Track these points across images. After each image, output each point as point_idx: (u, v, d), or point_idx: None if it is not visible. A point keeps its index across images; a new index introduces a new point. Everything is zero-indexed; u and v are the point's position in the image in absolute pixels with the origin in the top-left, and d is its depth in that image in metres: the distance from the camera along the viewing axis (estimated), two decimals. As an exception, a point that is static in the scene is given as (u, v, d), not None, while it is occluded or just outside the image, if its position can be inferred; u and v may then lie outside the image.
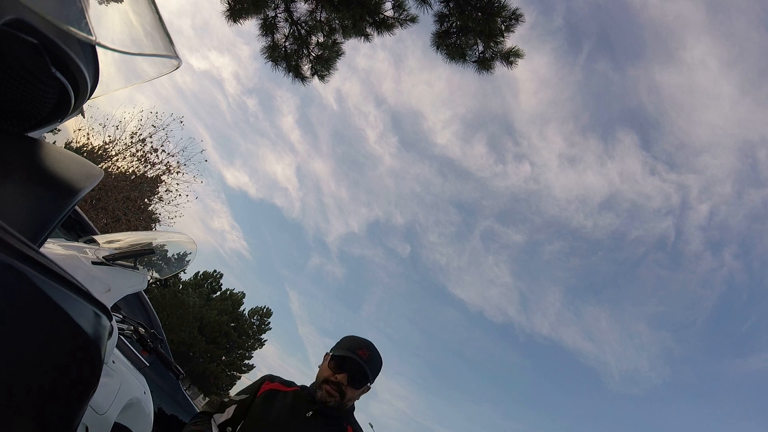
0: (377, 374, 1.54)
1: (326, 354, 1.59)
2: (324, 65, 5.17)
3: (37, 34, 0.48)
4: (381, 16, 4.71)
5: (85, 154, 12.21)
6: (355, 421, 1.52)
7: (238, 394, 1.52)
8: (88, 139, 13.17)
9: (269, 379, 1.55)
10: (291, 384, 1.55)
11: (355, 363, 1.42)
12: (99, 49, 0.58)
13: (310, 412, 1.40)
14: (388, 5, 4.70)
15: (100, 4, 0.57)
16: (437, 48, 4.66)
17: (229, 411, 1.44)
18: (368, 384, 1.47)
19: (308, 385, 1.55)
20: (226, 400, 1.50)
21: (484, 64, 4.57)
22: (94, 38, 0.48)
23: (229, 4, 4.83)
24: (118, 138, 13.34)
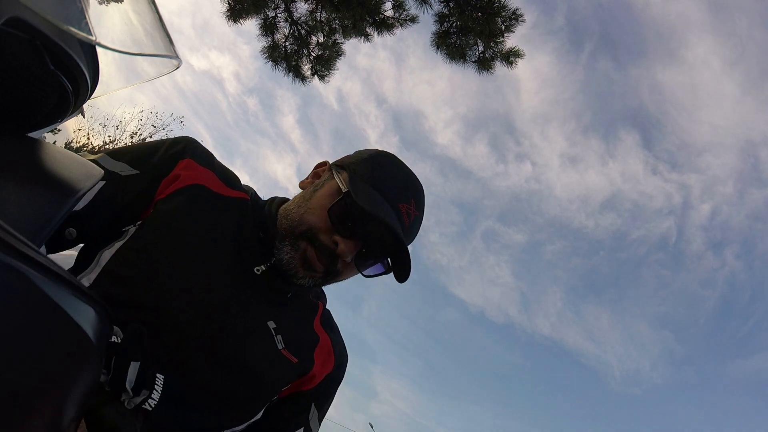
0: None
1: (322, 165, 0.80)
2: (324, 65, 5.17)
3: (36, 33, 0.48)
4: (381, 16, 4.71)
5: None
6: (320, 289, 0.85)
7: (114, 155, 0.70)
8: (88, 139, 13.17)
9: (192, 153, 0.74)
10: (232, 182, 0.77)
11: (385, 231, 0.67)
12: (99, 49, 0.58)
13: (261, 268, 0.69)
14: (388, 5, 4.70)
15: (100, 4, 0.57)
16: (437, 48, 4.66)
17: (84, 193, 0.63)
18: (389, 271, 0.72)
19: (262, 200, 0.80)
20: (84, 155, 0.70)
21: (484, 64, 4.57)
22: (94, 38, 0.48)
23: (229, 4, 4.83)
24: (118, 138, 13.34)
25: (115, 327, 0.53)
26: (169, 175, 0.71)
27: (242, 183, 0.81)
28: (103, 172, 0.70)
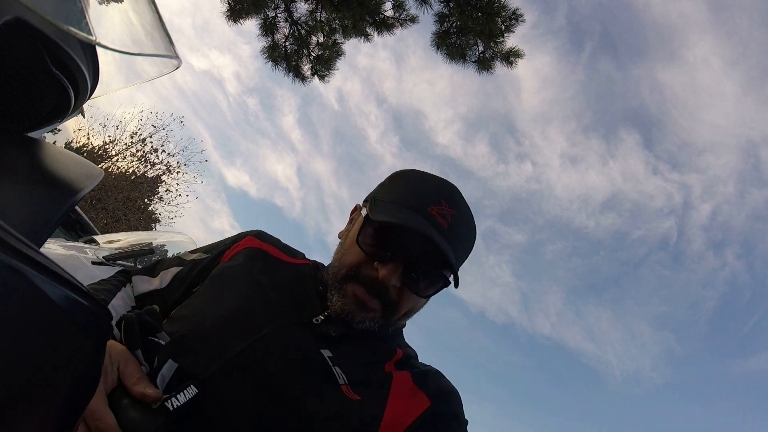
0: (467, 256, 0.73)
1: (354, 210, 0.79)
2: (324, 65, 5.17)
3: (37, 34, 0.48)
4: (381, 16, 4.71)
5: (85, 154, 12.21)
6: (406, 344, 0.76)
7: (193, 250, 0.84)
8: (88, 139, 13.17)
9: (257, 234, 0.81)
10: (295, 254, 0.81)
11: (423, 241, 0.64)
12: (99, 49, 0.58)
13: (320, 317, 0.66)
14: (388, 5, 4.70)
15: (100, 4, 0.57)
16: (437, 48, 4.66)
17: (165, 277, 0.77)
18: (449, 282, 0.68)
19: (322, 265, 0.80)
20: (170, 257, 0.84)
21: (484, 65, 4.57)
22: (94, 38, 0.48)
23: (229, 4, 4.83)
24: (118, 138, 13.35)
25: (163, 332, 0.58)
26: (232, 248, 0.79)
27: (306, 256, 0.84)
28: (103, 172, 0.70)
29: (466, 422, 0.65)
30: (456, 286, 0.67)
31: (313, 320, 0.66)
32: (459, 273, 0.67)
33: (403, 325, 0.77)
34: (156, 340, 0.56)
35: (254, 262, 0.73)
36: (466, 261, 0.75)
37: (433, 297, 0.72)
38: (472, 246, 0.74)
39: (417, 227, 0.62)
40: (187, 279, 0.76)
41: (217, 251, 0.79)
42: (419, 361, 0.73)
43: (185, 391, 0.51)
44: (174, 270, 0.78)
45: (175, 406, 0.49)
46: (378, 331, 0.69)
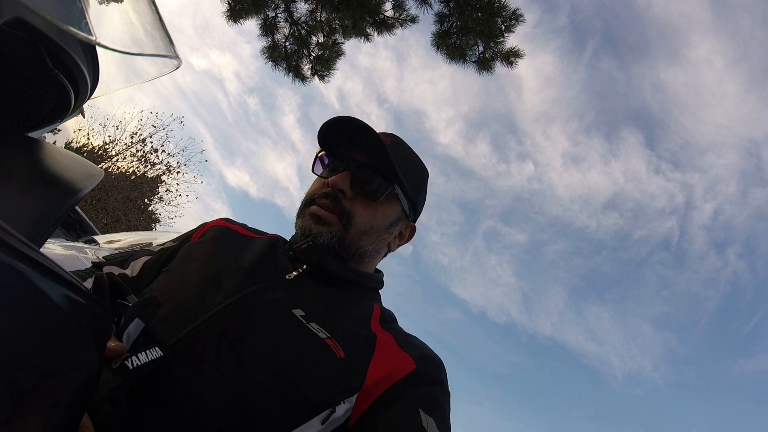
0: (417, 186, 0.79)
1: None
2: (324, 65, 5.17)
3: (37, 34, 0.48)
4: (381, 16, 4.71)
5: (85, 154, 12.21)
6: (383, 306, 0.75)
7: (162, 243, 0.84)
8: (88, 139, 13.16)
9: (224, 219, 0.84)
10: (263, 233, 0.83)
11: (354, 131, 0.71)
12: (99, 49, 0.58)
13: (293, 273, 0.68)
14: (388, 5, 4.70)
15: (100, 4, 0.57)
16: (437, 48, 4.66)
17: (135, 266, 0.77)
18: (395, 188, 0.73)
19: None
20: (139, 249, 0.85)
21: (484, 65, 4.57)
22: (94, 38, 0.48)
23: (229, 4, 4.83)
24: (118, 138, 13.34)
25: (133, 296, 0.57)
26: (200, 229, 0.81)
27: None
28: (103, 172, 0.70)
29: (450, 394, 0.65)
30: (408, 200, 0.76)
31: (286, 276, 0.68)
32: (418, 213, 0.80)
33: (379, 280, 0.79)
34: (125, 302, 0.55)
35: (224, 237, 0.77)
36: (424, 208, 0.85)
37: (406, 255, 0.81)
38: (420, 178, 0.81)
39: (356, 121, 0.69)
40: (156, 265, 0.76)
41: (184, 236, 0.82)
42: (399, 326, 0.74)
43: (148, 352, 0.49)
44: (143, 259, 0.78)
45: (135, 365, 0.47)
46: (355, 279, 0.72)
